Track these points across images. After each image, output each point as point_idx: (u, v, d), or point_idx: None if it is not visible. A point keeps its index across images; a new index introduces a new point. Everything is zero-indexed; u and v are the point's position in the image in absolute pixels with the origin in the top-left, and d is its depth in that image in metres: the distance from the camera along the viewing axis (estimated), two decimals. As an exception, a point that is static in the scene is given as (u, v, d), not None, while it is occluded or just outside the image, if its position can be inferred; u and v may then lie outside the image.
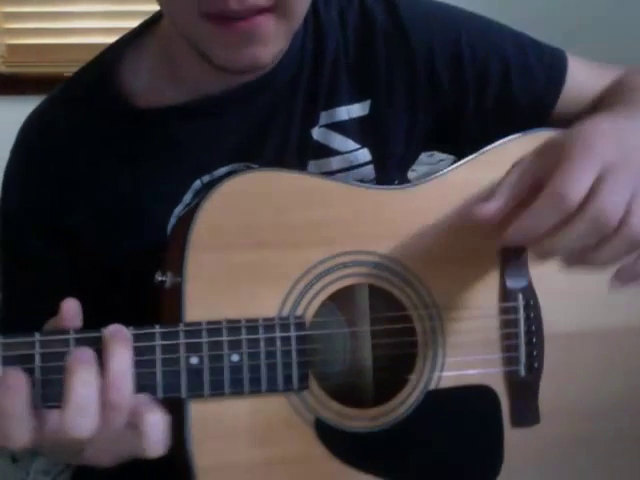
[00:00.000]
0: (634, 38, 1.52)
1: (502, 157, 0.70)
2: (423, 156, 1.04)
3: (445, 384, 0.66)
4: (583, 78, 0.79)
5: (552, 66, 0.78)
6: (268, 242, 0.62)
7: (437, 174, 0.70)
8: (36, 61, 1.58)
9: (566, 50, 0.81)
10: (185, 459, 0.58)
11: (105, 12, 1.58)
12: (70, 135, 0.72)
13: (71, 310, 0.54)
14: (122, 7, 1.58)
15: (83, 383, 0.51)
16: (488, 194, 0.58)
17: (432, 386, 0.66)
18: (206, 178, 0.71)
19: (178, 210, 0.70)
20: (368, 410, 0.64)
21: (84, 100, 0.72)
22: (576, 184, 0.53)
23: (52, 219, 0.71)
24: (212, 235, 0.60)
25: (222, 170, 0.71)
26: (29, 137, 0.74)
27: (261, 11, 0.59)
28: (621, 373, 0.73)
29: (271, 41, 0.62)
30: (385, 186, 0.69)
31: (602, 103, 0.77)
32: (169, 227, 0.70)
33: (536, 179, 0.56)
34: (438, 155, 1.14)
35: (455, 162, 0.74)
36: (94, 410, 0.51)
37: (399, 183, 0.77)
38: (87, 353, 0.52)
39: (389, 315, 0.66)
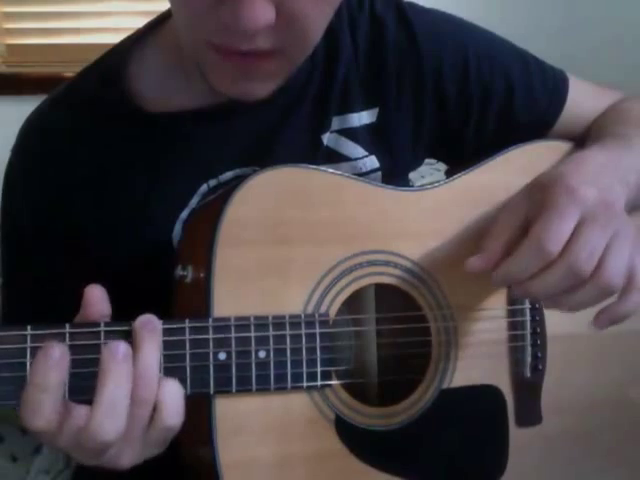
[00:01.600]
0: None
1: (515, 162, 0.74)
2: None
3: (457, 383, 0.67)
4: (583, 100, 0.81)
5: (554, 87, 0.80)
6: (294, 238, 0.62)
7: (453, 177, 0.71)
8: (36, 61, 1.57)
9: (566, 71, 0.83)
10: (209, 456, 0.58)
11: (106, 12, 1.56)
12: (72, 136, 0.71)
13: (95, 296, 0.54)
14: (123, 7, 1.57)
15: (116, 384, 0.50)
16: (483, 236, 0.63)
17: (445, 384, 0.67)
18: (213, 182, 0.71)
19: (184, 214, 0.70)
20: (386, 408, 0.65)
21: (88, 102, 0.72)
22: (556, 235, 0.56)
23: (53, 220, 0.71)
24: (240, 229, 0.60)
25: (228, 174, 0.71)
26: (30, 138, 0.73)
27: (266, 52, 0.60)
28: (617, 373, 0.76)
29: (269, 80, 0.63)
30: (403, 187, 0.70)
31: (592, 131, 0.78)
32: (175, 231, 0.70)
33: (523, 221, 0.61)
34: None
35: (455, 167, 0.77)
36: (123, 412, 0.51)
37: None
38: (122, 350, 0.51)
39: (405, 315, 0.67)
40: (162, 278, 0.66)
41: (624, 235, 0.59)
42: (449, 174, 0.74)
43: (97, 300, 0.54)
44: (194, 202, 0.70)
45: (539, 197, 0.60)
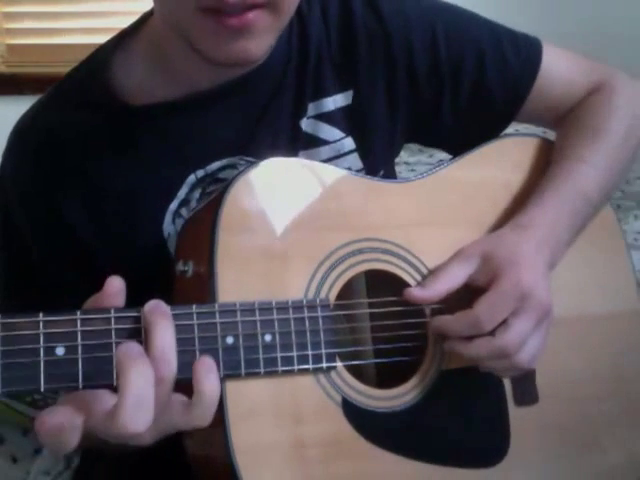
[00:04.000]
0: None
1: (489, 156, 0.78)
2: (423, 157, 1.07)
3: (455, 364, 0.69)
4: (558, 67, 0.82)
5: (527, 55, 0.80)
6: (291, 227, 0.64)
7: (437, 169, 0.75)
8: (36, 61, 1.58)
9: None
10: (221, 441, 0.58)
11: (105, 12, 1.58)
12: (63, 134, 0.72)
13: (113, 287, 0.54)
14: (122, 7, 1.58)
15: (138, 377, 0.50)
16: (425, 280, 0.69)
17: (444, 366, 0.69)
18: (200, 173, 0.72)
19: (173, 205, 0.71)
20: (390, 390, 0.67)
21: (75, 99, 0.73)
22: (494, 318, 0.64)
23: (49, 216, 0.72)
24: (239, 220, 0.62)
25: (216, 164, 0.72)
26: (23, 137, 0.74)
27: (254, 6, 0.61)
28: (609, 354, 0.78)
29: (261, 36, 0.64)
30: (391, 179, 0.73)
31: (556, 145, 0.80)
32: (165, 222, 0.71)
33: (467, 278, 0.68)
34: (438, 155, 1.17)
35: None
36: (151, 404, 0.50)
37: (384, 174, 0.80)
38: (135, 347, 0.52)
39: (400, 299, 0.68)
40: (155, 269, 0.67)
41: (543, 326, 0.68)
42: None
43: (114, 291, 0.55)
44: (182, 193, 0.72)
45: (490, 269, 0.67)
